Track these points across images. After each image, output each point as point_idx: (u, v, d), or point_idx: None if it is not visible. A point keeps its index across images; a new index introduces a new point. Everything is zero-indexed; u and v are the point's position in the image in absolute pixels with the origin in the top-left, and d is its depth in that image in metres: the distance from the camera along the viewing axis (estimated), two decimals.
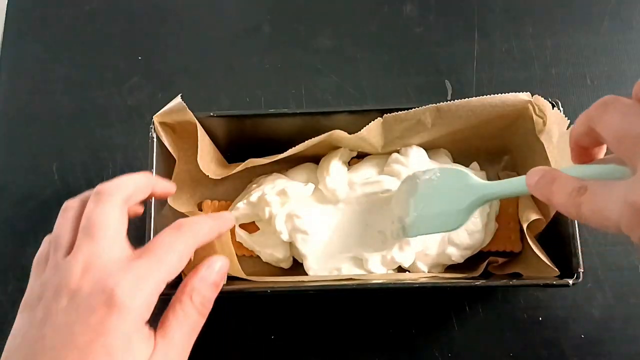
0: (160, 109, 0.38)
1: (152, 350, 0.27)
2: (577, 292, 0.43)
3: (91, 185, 0.46)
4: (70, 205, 0.30)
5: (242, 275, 0.39)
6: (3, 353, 0.27)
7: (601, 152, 0.29)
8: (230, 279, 0.39)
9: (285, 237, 0.41)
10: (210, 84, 0.50)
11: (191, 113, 0.37)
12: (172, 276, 0.28)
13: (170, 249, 0.28)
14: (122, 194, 0.30)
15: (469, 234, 0.40)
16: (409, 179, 0.40)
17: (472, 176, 0.37)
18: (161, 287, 0.28)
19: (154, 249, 0.28)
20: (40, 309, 0.27)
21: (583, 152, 0.28)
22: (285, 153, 0.40)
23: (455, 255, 0.40)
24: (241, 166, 0.41)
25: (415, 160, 0.41)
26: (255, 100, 0.49)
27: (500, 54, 0.50)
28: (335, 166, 0.41)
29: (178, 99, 0.37)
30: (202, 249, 0.38)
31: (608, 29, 0.50)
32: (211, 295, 0.30)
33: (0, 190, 0.48)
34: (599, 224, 0.24)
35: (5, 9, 0.53)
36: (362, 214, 0.42)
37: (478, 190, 0.35)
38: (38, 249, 0.31)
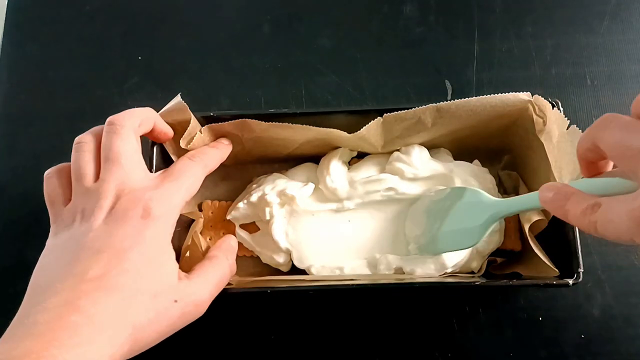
0: (161, 109, 0.38)
1: (176, 268, 0.32)
2: (577, 292, 0.43)
3: None
4: (83, 140, 0.33)
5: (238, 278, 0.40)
6: (36, 270, 0.30)
7: (609, 165, 0.29)
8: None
9: (284, 246, 0.41)
10: (210, 84, 0.50)
11: (191, 112, 0.37)
12: (190, 196, 0.33)
13: (189, 174, 0.34)
14: (134, 123, 0.33)
15: (487, 241, 0.40)
16: (422, 199, 0.40)
17: (485, 194, 0.37)
18: (182, 205, 0.33)
19: (176, 173, 0.33)
20: (78, 226, 0.30)
21: (591, 166, 0.29)
22: (283, 124, 0.39)
23: (476, 264, 0.41)
24: (235, 121, 0.39)
25: (417, 159, 0.41)
26: (255, 100, 0.49)
27: (500, 54, 0.50)
28: (335, 165, 0.41)
29: (178, 99, 0.37)
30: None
31: (608, 29, 0.50)
32: (234, 258, 0.37)
33: (0, 190, 0.48)
34: (614, 238, 0.25)
35: (5, 9, 0.53)
36: (372, 217, 0.42)
37: (492, 208, 0.36)
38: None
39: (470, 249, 0.40)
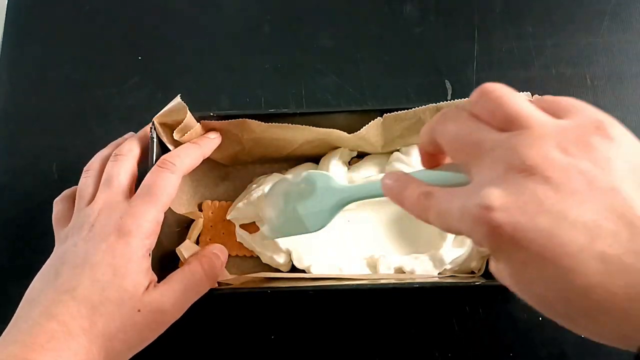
0: (161, 109, 0.38)
1: (149, 282, 0.33)
2: None
3: None
4: (90, 167, 0.38)
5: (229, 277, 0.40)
6: (30, 285, 0.34)
7: (447, 158, 0.30)
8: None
9: (283, 246, 0.41)
10: (210, 84, 0.50)
11: (188, 111, 0.37)
12: (167, 205, 0.35)
13: (162, 186, 0.34)
14: (134, 154, 0.37)
15: None
16: (279, 182, 0.40)
17: (335, 180, 0.37)
18: (159, 219, 0.34)
19: (148, 188, 0.34)
20: (68, 241, 0.34)
21: (430, 158, 0.30)
22: (283, 124, 0.39)
23: (475, 264, 0.41)
24: (235, 121, 0.39)
25: (417, 158, 0.41)
26: (255, 100, 0.49)
27: (500, 54, 0.50)
28: (335, 165, 0.41)
29: (178, 99, 0.37)
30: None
31: (608, 29, 0.50)
32: (216, 262, 0.37)
33: (0, 190, 0.48)
34: (445, 228, 0.25)
35: (5, 9, 0.53)
36: (371, 217, 0.42)
37: (339, 193, 0.36)
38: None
39: (470, 248, 0.40)
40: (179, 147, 0.38)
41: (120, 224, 0.33)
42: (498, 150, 0.23)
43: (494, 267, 0.25)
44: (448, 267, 0.40)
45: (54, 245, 0.46)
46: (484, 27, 0.51)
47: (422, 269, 0.40)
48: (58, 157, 0.48)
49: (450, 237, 0.41)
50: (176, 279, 0.35)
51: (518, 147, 0.22)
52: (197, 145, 0.38)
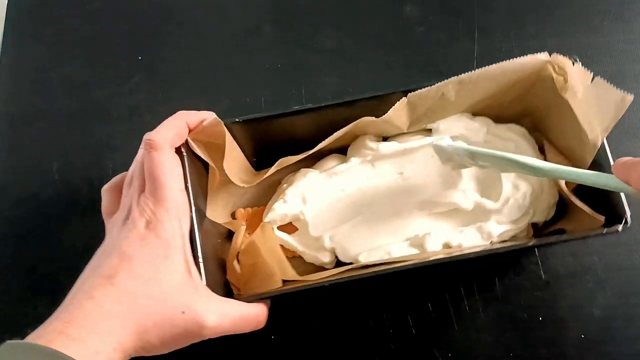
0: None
1: (195, 284, 0.34)
2: (577, 292, 0.43)
3: (91, 185, 0.47)
4: (138, 155, 0.37)
5: (298, 277, 0.39)
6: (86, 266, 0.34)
7: None
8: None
9: (327, 245, 0.41)
10: (210, 84, 0.50)
11: (224, 126, 0.37)
12: (176, 183, 0.35)
13: (158, 174, 0.34)
14: (167, 137, 0.36)
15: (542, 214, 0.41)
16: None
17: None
18: (176, 199, 0.34)
19: (150, 179, 0.34)
20: (112, 234, 0.35)
21: None
22: (315, 148, 0.40)
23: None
24: (274, 167, 0.40)
25: (446, 128, 0.42)
26: (255, 100, 0.49)
27: (501, 54, 0.50)
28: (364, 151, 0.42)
29: (213, 116, 0.37)
30: (248, 255, 0.40)
31: (609, 29, 0.50)
32: (265, 311, 0.38)
33: (0, 190, 0.48)
34: None
35: (5, 9, 0.53)
36: (412, 193, 0.42)
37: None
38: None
39: (524, 224, 0.40)
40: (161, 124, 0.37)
41: (147, 217, 0.33)
42: None
43: None
44: (495, 239, 0.40)
45: (55, 246, 0.46)
46: (484, 27, 0.51)
47: (470, 242, 0.40)
48: (58, 157, 0.48)
49: (496, 210, 0.41)
50: (231, 304, 0.35)
51: None
52: (176, 116, 0.37)
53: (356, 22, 0.52)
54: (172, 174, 0.35)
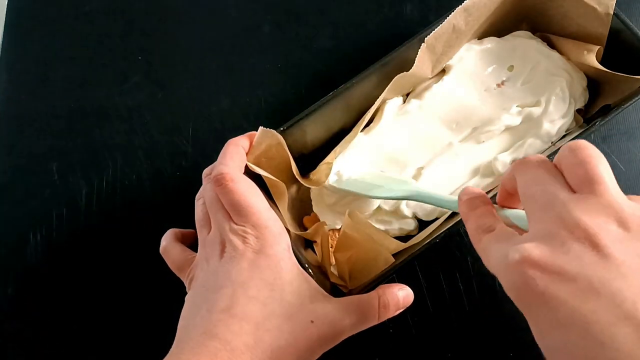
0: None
1: (307, 288, 0.33)
2: None
3: (91, 185, 0.47)
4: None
5: (403, 245, 0.39)
6: (183, 308, 0.33)
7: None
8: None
9: (408, 212, 0.42)
10: (210, 84, 0.50)
11: (279, 136, 0.38)
12: (262, 203, 0.35)
13: (242, 202, 0.34)
14: (236, 166, 0.36)
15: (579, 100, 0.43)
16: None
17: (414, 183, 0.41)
18: (267, 218, 0.34)
19: (235, 210, 0.34)
20: (208, 267, 0.33)
21: (507, 197, 0.30)
22: (352, 131, 0.41)
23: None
24: (328, 158, 0.41)
25: (460, 57, 0.44)
26: (255, 100, 0.49)
27: None
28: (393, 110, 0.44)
29: (262, 129, 0.37)
30: (343, 249, 0.40)
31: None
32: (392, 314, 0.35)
33: (0, 190, 0.48)
34: (485, 264, 0.26)
35: (5, 9, 0.53)
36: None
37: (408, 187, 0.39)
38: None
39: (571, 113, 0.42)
40: (219, 157, 0.37)
41: (252, 242, 0.33)
42: (560, 209, 0.23)
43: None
44: (554, 138, 0.41)
45: (53, 246, 0.46)
46: None
47: (534, 150, 0.41)
48: (58, 157, 0.48)
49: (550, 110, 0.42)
50: (351, 299, 0.34)
51: (578, 209, 0.23)
52: (232, 143, 0.37)
53: (356, 22, 0.52)
54: (257, 197, 0.34)
